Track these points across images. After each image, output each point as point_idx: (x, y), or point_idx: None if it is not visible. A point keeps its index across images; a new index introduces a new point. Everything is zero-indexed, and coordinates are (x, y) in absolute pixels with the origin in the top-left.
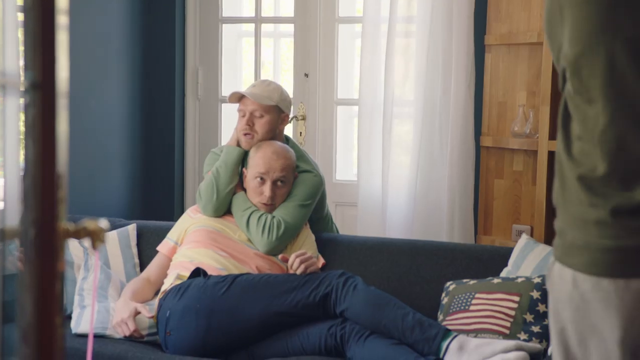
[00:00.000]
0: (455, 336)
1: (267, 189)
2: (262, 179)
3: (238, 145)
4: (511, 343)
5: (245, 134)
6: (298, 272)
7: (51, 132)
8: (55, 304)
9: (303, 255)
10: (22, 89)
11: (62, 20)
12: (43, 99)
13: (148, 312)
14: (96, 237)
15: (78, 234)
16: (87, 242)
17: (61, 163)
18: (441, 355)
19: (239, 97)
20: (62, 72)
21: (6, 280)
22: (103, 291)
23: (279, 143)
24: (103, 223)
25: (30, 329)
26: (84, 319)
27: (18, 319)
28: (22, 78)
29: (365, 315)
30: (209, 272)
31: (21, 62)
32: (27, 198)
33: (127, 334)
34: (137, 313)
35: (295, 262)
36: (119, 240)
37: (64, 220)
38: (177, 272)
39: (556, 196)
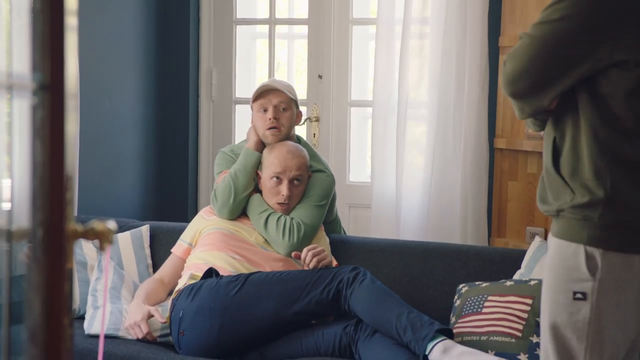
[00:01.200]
0: (443, 339)
1: (284, 188)
2: (278, 178)
3: (257, 147)
4: (494, 358)
5: (271, 128)
6: (311, 265)
7: (60, 134)
8: (64, 304)
9: (315, 249)
10: (30, 90)
11: (71, 21)
12: (52, 100)
13: (161, 316)
14: (104, 238)
15: (86, 235)
16: (95, 243)
17: (69, 164)
18: (427, 353)
19: (263, 91)
20: (71, 73)
21: (14, 281)
22: (116, 292)
23: (292, 142)
24: (111, 224)
25: (38, 329)
26: (97, 319)
27: (26, 319)
28: (31, 79)
29: (366, 313)
30: (224, 274)
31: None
32: (36, 199)
33: (140, 336)
34: (150, 316)
35: (307, 256)
36: (132, 242)
37: (72, 221)
38: (191, 272)
39: None
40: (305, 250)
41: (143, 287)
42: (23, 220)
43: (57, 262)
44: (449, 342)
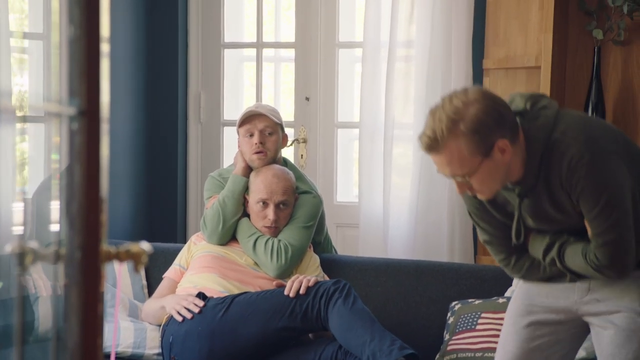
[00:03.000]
0: None
1: (270, 212)
2: (264, 203)
3: (244, 172)
4: None
5: (258, 152)
6: (292, 295)
7: (96, 158)
8: (98, 324)
9: (298, 280)
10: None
11: (105, 48)
12: (89, 125)
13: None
14: (138, 260)
15: (120, 257)
16: (129, 265)
17: (104, 188)
18: None
19: (249, 116)
20: (105, 99)
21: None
22: (112, 310)
23: (277, 166)
24: (145, 245)
25: (77, 348)
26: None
27: (66, 339)
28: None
29: (340, 337)
30: (213, 296)
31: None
32: (73, 222)
33: (200, 306)
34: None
35: (293, 288)
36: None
37: (105, 243)
38: None
39: None
40: (290, 281)
41: (147, 312)
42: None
43: (93, 283)
44: None
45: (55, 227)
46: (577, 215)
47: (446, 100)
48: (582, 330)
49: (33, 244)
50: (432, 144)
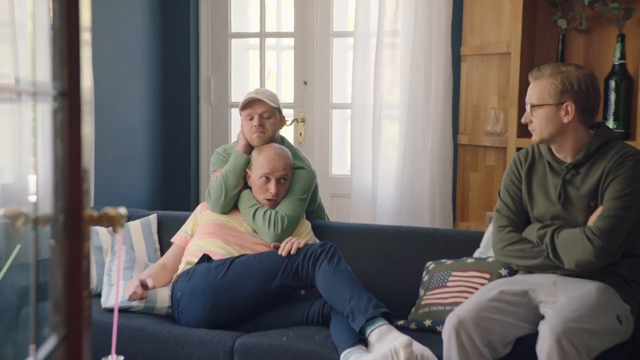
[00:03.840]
0: (381, 325)
1: (272, 186)
2: (267, 178)
3: (245, 150)
4: (403, 337)
5: (257, 133)
6: (284, 254)
7: (77, 134)
8: (82, 278)
9: (290, 241)
10: (51, 96)
11: (85, 36)
12: (69, 105)
13: (152, 283)
14: (117, 223)
15: (101, 220)
16: (109, 227)
17: (85, 160)
18: (367, 335)
19: (249, 101)
20: (86, 82)
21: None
22: (129, 271)
23: (277, 145)
24: (122, 210)
25: (60, 300)
26: (112, 295)
27: (50, 292)
28: (51, 87)
29: (325, 295)
30: (215, 258)
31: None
32: (57, 189)
33: (130, 292)
34: (144, 284)
35: (286, 248)
36: (142, 229)
37: (88, 208)
38: (187, 259)
39: None
40: (283, 243)
41: (146, 271)
42: (46, 209)
43: (76, 243)
44: (385, 327)
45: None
46: (583, 209)
47: (564, 63)
48: (534, 315)
49: (24, 209)
50: (538, 74)
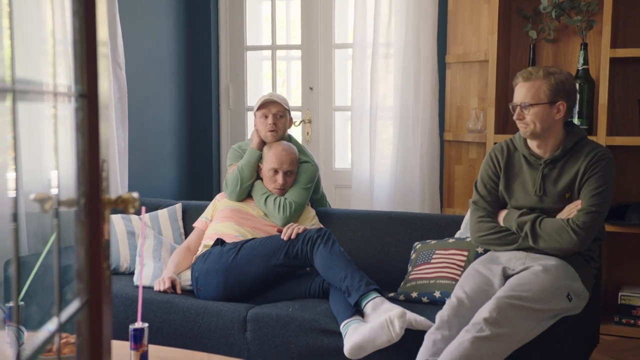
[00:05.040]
0: (374, 297)
1: (280, 178)
2: (275, 171)
3: (259, 146)
4: (398, 309)
5: (271, 131)
6: (285, 237)
7: (95, 129)
8: (102, 252)
9: (291, 226)
10: (73, 97)
11: (102, 48)
12: (88, 105)
13: (180, 289)
14: (129, 204)
15: (116, 203)
16: (123, 208)
17: (103, 152)
18: (362, 307)
19: (265, 102)
20: (103, 86)
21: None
22: (157, 254)
23: (285, 142)
24: (135, 194)
25: (83, 270)
26: (143, 274)
27: (75, 263)
28: (73, 90)
29: (323, 273)
30: (229, 240)
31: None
32: (79, 176)
33: (162, 289)
34: (172, 282)
35: (287, 233)
36: (169, 216)
37: (106, 192)
38: (205, 242)
39: None
40: (285, 228)
41: (174, 257)
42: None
43: (96, 221)
44: (378, 299)
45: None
46: (557, 200)
47: (549, 66)
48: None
49: (52, 193)
50: (528, 75)
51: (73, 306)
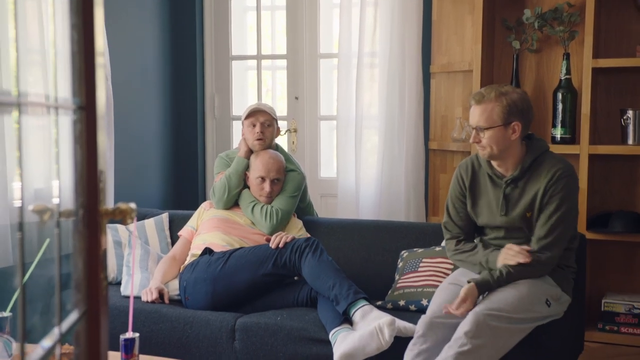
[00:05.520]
0: (362, 306)
1: (267, 186)
2: (262, 179)
3: (246, 155)
4: (388, 317)
5: (258, 139)
6: (272, 246)
7: (93, 140)
8: (99, 263)
9: (279, 235)
10: (71, 110)
11: (99, 59)
12: (87, 117)
13: (167, 299)
14: (127, 215)
15: (114, 214)
16: (121, 219)
17: (101, 163)
18: (351, 315)
19: (253, 111)
20: (100, 98)
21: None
22: (144, 263)
23: (272, 151)
24: (132, 205)
25: (81, 281)
26: (131, 284)
27: (72, 275)
28: (71, 102)
29: (311, 282)
30: (217, 249)
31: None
32: (77, 187)
33: (150, 299)
34: (160, 292)
35: (275, 241)
36: (155, 225)
37: (104, 203)
38: (192, 252)
39: None
40: (273, 237)
41: (160, 267)
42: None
43: (94, 232)
44: (367, 307)
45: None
46: (520, 219)
47: (501, 85)
48: None
49: (50, 204)
50: (480, 98)
51: (72, 317)
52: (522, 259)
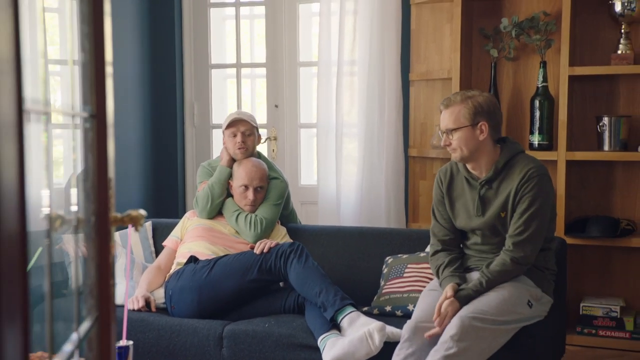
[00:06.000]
0: (350, 312)
1: (250, 194)
2: (246, 187)
3: (228, 164)
4: (377, 323)
5: (240, 148)
6: (257, 252)
7: (104, 148)
8: (109, 269)
9: (263, 243)
10: (83, 119)
11: (109, 69)
12: (97, 125)
13: (154, 306)
14: (137, 222)
15: (124, 220)
16: (131, 226)
17: (111, 170)
18: (339, 321)
19: (233, 121)
20: (110, 107)
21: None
22: (130, 271)
23: (255, 159)
24: (142, 211)
25: (93, 285)
26: (117, 293)
27: (84, 279)
28: (82, 111)
29: (298, 288)
30: (202, 258)
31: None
32: (88, 195)
33: (136, 307)
34: (147, 300)
35: (259, 248)
36: (139, 234)
37: (113, 210)
38: (177, 260)
39: None
40: (257, 244)
41: (145, 277)
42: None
43: (104, 240)
44: (354, 314)
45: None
46: (494, 219)
47: (467, 90)
48: None
49: (61, 212)
50: (448, 102)
51: (86, 323)
52: (436, 322)
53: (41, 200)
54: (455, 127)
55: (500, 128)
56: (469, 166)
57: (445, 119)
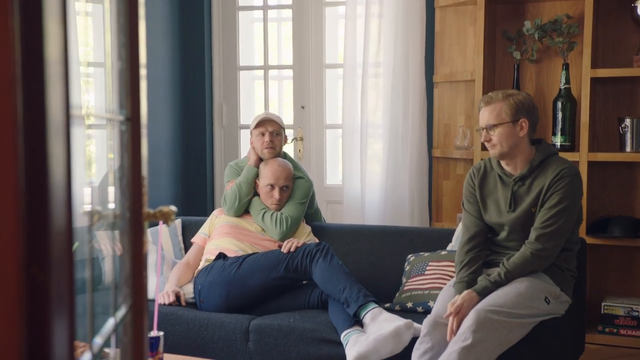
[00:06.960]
0: (373, 308)
1: (276, 193)
2: (272, 186)
3: (255, 164)
4: (406, 320)
5: (268, 148)
6: (284, 250)
7: (138, 149)
8: (143, 261)
9: (290, 241)
10: (119, 121)
11: (143, 72)
12: (132, 127)
13: (184, 300)
14: (168, 217)
15: (156, 216)
16: (163, 221)
17: (144, 169)
18: (361, 317)
19: (262, 121)
20: (144, 110)
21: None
22: (160, 267)
23: (281, 159)
24: (173, 207)
25: (129, 276)
26: (149, 287)
27: (121, 271)
28: (119, 114)
29: (322, 286)
30: (229, 255)
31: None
32: (124, 192)
33: (167, 302)
34: (177, 295)
35: (286, 247)
36: (169, 231)
37: (146, 206)
38: (206, 257)
39: None
40: (284, 243)
41: (175, 272)
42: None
43: (138, 233)
44: (376, 310)
45: (111, 204)
46: (525, 215)
47: (507, 89)
48: None
49: (98, 207)
50: (489, 100)
51: (122, 311)
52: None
53: (82, 197)
54: (497, 123)
55: (536, 127)
56: (503, 163)
57: (486, 115)
